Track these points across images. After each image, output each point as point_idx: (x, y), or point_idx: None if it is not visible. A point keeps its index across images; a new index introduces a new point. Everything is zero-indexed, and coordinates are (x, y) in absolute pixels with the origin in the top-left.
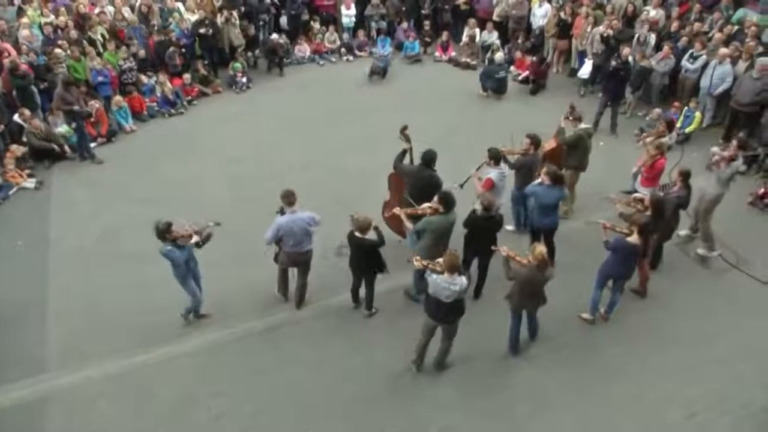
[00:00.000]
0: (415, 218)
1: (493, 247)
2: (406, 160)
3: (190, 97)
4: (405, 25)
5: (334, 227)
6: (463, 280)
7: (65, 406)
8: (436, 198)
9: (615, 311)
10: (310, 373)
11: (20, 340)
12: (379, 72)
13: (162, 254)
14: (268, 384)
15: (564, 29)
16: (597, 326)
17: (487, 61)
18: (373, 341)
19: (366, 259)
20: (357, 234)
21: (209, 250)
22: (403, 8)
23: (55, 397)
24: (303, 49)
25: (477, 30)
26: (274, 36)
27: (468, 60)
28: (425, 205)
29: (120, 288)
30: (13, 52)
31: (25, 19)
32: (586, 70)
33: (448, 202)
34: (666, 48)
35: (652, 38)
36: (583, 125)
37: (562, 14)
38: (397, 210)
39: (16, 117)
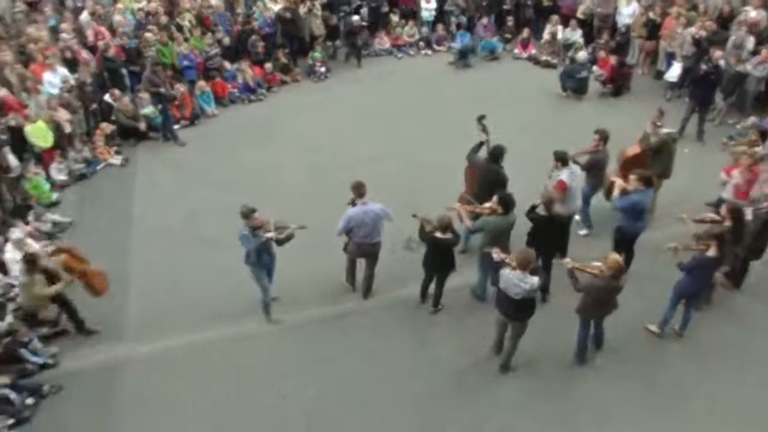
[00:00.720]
0: (475, 216)
1: (563, 261)
2: (484, 153)
3: (269, 85)
4: (485, 20)
5: (405, 221)
6: (534, 279)
7: (138, 374)
8: (495, 197)
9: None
10: (375, 364)
11: (102, 310)
12: (462, 60)
13: (238, 236)
14: (333, 371)
15: (652, 29)
16: (666, 340)
17: (568, 60)
18: (438, 337)
19: (441, 258)
20: (438, 235)
21: None
22: (484, 3)
23: (130, 365)
24: (382, 41)
25: (559, 27)
26: (355, 17)
27: (548, 58)
28: (485, 204)
29: (197, 269)
30: (108, 36)
31: (119, 5)
32: (674, 73)
33: (507, 203)
34: (765, 52)
35: (751, 41)
36: (667, 130)
37: (651, 14)
38: (458, 206)
39: (107, 97)
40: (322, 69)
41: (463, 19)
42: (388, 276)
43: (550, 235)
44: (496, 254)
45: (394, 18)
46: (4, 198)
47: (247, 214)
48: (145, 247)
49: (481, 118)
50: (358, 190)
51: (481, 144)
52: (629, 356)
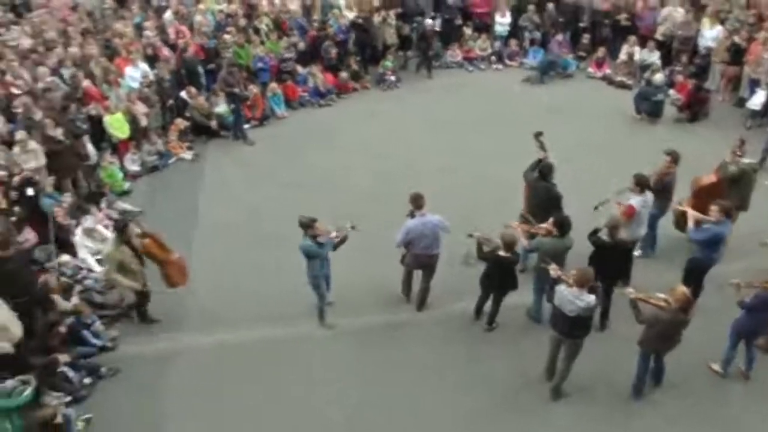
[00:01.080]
0: (531, 235)
1: (625, 291)
2: None
3: (339, 91)
4: (560, 37)
5: (464, 235)
6: (591, 298)
7: (191, 364)
8: (551, 219)
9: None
10: (424, 376)
11: (164, 299)
12: (537, 78)
13: (300, 248)
14: (381, 379)
15: (736, 54)
16: (729, 379)
17: (644, 82)
18: (491, 355)
19: (502, 277)
20: (501, 253)
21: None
22: (560, 20)
23: (185, 355)
24: (454, 53)
25: (637, 48)
26: (429, 21)
27: (624, 79)
28: (541, 224)
29: (257, 266)
30: (188, 35)
31: (201, 5)
32: (757, 101)
33: (563, 225)
34: None
35: None
36: (747, 160)
37: (736, 38)
38: (515, 224)
39: (183, 93)
40: (393, 78)
41: (537, 35)
42: (444, 289)
43: (612, 260)
44: (554, 270)
45: (467, 31)
46: (80, 184)
47: (308, 224)
48: (209, 241)
49: (538, 135)
50: (417, 201)
51: (539, 161)
52: (690, 393)
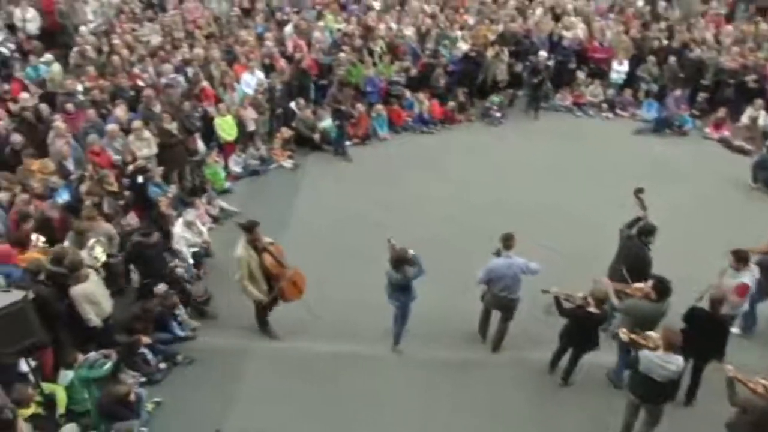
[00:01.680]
0: (623, 294)
1: (725, 367)
2: None
3: (443, 120)
4: (678, 92)
5: (552, 281)
6: (680, 359)
7: (262, 364)
8: (650, 282)
9: None
10: (483, 419)
11: (246, 300)
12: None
13: (413, 279)
14: (441, 414)
15: None
16: None
17: (766, 150)
18: (560, 412)
19: (585, 334)
20: (591, 309)
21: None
22: (681, 75)
23: (258, 355)
24: (564, 97)
25: (762, 113)
26: (542, 53)
27: (743, 144)
28: (637, 285)
29: (339, 279)
30: (305, 49)
31: (321, 22)
32: None
33: (662, 290)
34: None
35: None
36: None
37: None
38: (606, 281)
39: (292, 104)
40: (498, 114)
41: (654, 88)
42: (522, 334)
43: (708, 335)
44: (624, 334)
45: (581, 75)
46: (186, 178)
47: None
48: (297, 248)
49: (639, 192)
50: (507, 242)
51: (638, 219)
52: None
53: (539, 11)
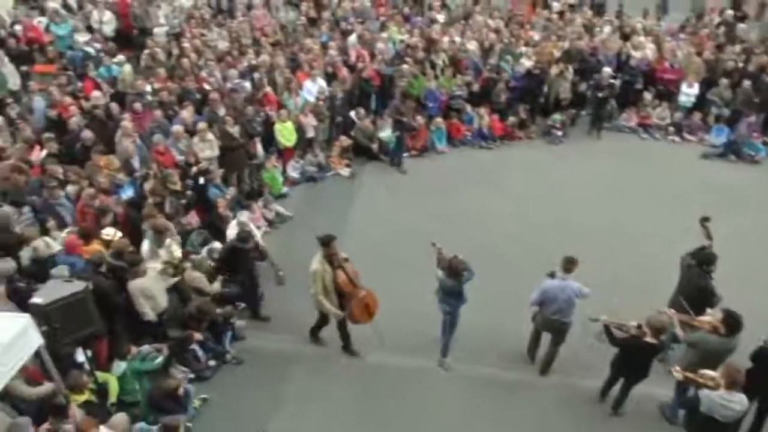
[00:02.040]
0: (688, 326)
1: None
2: None
3: (502, 136)
4: (752, 118)
5: (605, 309)
6: (744, 398)
7: (309, 368)
8: (720, 315)
9: None
10: None
11: (296, 305)
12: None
13: (464, 283)
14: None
15: None
16: None
17: None
18: None
19: (639, 363)
20: (648, 339)
21: (475, 285)
22: (755, 99)
23: (303, 360)
24: (629, 117)
25: None
26: (606, 69)
27: None
28: (705, 318)
29: (390, 289)
30: (368, 59)
31: (384, 34)
32: None
33: (732, 325)
34: None
35: None
36: None
37: None
38: (671, 312)
39: (352, 113)
40: (560, 133)
41: (726, 112)
42: (572, 360)
43: None
44: (678, 373)
45: (647, 96)
46: (244, 180)
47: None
48: (353, 256)
49: (704, 220)
50: (568, 265)
51: (702, 249)
52: None
53: (607, 29)
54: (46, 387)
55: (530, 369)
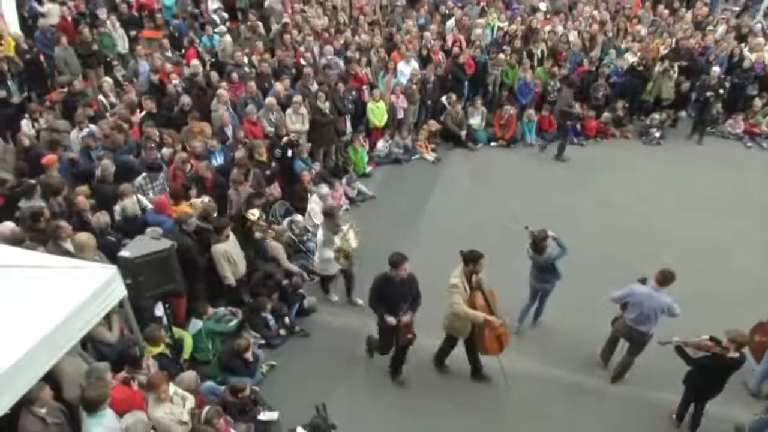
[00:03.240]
0: None
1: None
2: None
3: (596, 133)
4: None
5: (692, 325)
6: None
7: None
8: None
9: None
10: None
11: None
12: None
13: (556, 258)
14: None
15: None
16: None
17: None
18: None
19: (715, 379)
20: (731, 355)
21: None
22: None
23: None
24: (735, 124)
25: None
26: (716, 69)
27: None
28: None
29: None
30: (465, 44)
31: (482, 20)
32: None
33: None
34: None
35: None
36: None
37: None
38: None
39: (444, 98)
40: (657, 134)
41: None
42: (647, 371)
43: None
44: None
45: (758, 102)
46: (330, 157)
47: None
48: (428, 240)
49: None
50: (664, 278)
51: None
52: None
53: (721, 29)
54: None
55: (601, 374)
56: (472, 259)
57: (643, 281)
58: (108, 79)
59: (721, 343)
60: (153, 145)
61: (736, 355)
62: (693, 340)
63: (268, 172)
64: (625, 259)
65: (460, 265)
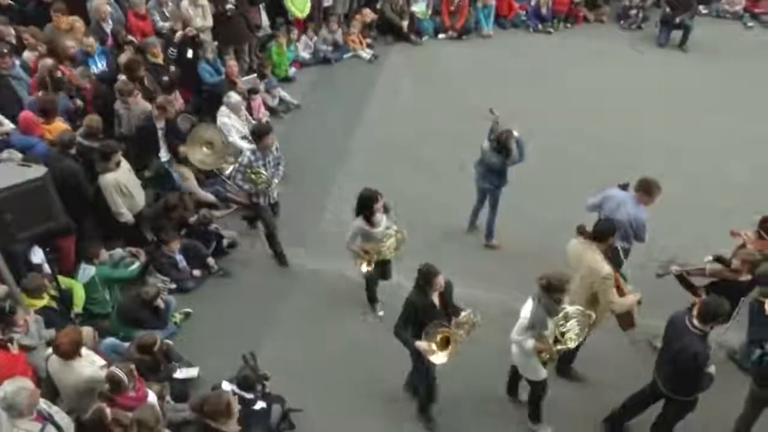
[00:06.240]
0: None
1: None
2: None
3: (565, 17)
4: None
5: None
6: None
7: (306, 288)
8: None
9: None
10: None
11: (299, 214)
12: None
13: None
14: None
15: None
16: None
17: None
18: None
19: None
20: (743, 278)
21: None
22: None
23: (301, 277)
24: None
25: None
26: None
27: None
28: None
29: (407, 195)
30: None
31: None
32: None
33: None
34: None
35: None
36: None
37: None
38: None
39: None
40: (639, 15)
41: None
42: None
43: None
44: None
45: None
46: (243, 58)
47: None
48: (361, 155)
49: None
50: (647, 189)
51: None
52: None
53: None
54: None
55: None
56: (609, 234)
57: (624, 187)
58: None
59: (729, 263)
60: (5, 49)
61: (749, 277)
62: (695, 266)
63: (165, 78)
64: (600, 168)
65: (593, 246)
